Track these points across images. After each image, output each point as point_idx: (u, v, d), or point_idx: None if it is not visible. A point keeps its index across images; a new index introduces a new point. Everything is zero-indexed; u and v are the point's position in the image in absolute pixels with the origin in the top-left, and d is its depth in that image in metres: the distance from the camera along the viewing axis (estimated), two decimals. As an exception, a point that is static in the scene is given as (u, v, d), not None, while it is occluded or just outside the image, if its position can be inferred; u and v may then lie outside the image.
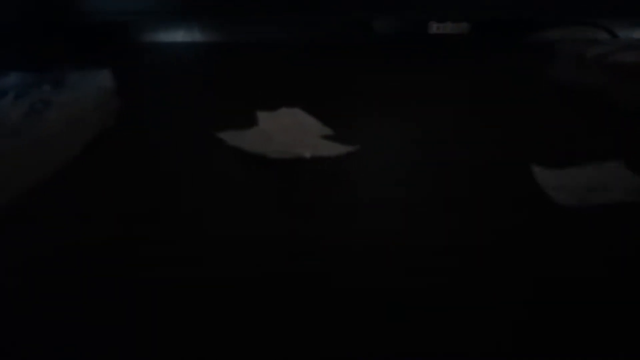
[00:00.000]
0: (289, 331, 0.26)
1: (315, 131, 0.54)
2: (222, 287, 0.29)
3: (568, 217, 0.37)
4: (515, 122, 0.56)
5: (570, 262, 0.32)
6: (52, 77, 0.54)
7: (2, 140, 0.39)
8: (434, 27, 0.89)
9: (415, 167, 0.45)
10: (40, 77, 0.53)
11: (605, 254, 0.33)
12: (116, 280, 0.30)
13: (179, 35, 0.99)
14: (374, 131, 0.54)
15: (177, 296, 0.29)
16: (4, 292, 0.30)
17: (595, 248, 0.33)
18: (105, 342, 0.25)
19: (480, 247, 0.33)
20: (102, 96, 0.53)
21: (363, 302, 0.28)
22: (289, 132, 0.53)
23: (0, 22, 0.86)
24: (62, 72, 0.55)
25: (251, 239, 0.34)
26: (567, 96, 0.64)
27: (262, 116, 0.56)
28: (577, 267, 0.31)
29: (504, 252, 0.33)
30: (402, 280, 0.30)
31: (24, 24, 0.87)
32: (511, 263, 0.31)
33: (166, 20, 0.98)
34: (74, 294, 0.29)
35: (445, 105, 0.62)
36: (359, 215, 0.37)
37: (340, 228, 0.35)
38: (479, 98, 0.65)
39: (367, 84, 0.71)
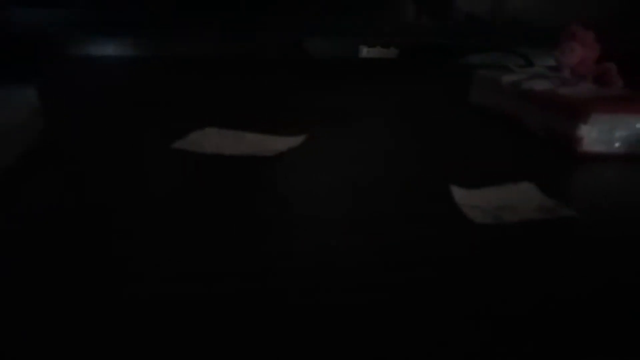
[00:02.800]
0: (239, 350, 0.26)
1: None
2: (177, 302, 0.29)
3: (481, 233, 0.39)
4: (436, 143, 0.59)
5: (479, 274, 0.34)
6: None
7: None
8: (364, 51, 0.93)
9: (337, 185, 0.47)
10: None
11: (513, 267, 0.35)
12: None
13: (108, 49, 0.98)
14: (298, 149, 0.56)
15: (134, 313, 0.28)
16: None
17: (505, 262, 0.36)
18: None
19: (410, 262, 0.35)
20: (27, 115, 0.52)
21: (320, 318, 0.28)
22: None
23: None
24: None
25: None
26: (484, 120, 0.69)
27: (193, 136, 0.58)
28: (486, 278, 0.33)
29: (428, 266, 0.35)
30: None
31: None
32: (436, 276, 0.33)
33: (95, 33, 0.97)
34: None
35: (372, 125, 0.65)
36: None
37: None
38: (404, 119, 0.68)
39: (296, 102, 0.73)
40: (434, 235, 0.39)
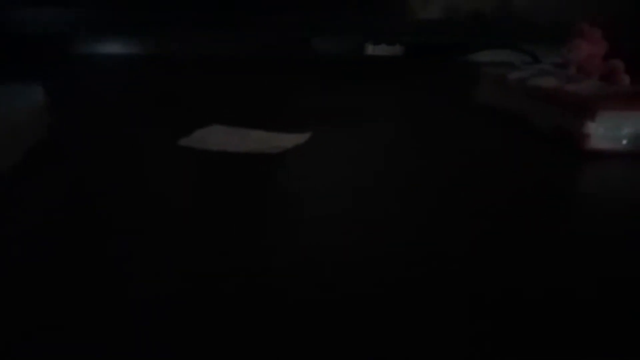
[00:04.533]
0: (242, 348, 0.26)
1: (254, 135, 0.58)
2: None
3: (478, 230, 0.39)
4: (442, 142, 0.59)
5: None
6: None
7: None
8: (370, 49, 0.92)
9: (341, 183, 0.47)
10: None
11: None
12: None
13: (113, 48, 0.98)
14: (304, 147, 0.55)
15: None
16: None
17: (504, 259, 0.35)
18: None
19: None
20: (34, 111, 0.52)
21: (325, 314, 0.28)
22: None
23: None
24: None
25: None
26: (490, 118, 0.68)
27: (198, 134, 0.58)
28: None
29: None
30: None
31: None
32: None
33: (100, 32, 0.97)
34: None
35: (376, 124, 0.65)
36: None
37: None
38: (409, 118, 0.68)
39: (301, 101, 0.73)
40: (435, 232, 0.39)
